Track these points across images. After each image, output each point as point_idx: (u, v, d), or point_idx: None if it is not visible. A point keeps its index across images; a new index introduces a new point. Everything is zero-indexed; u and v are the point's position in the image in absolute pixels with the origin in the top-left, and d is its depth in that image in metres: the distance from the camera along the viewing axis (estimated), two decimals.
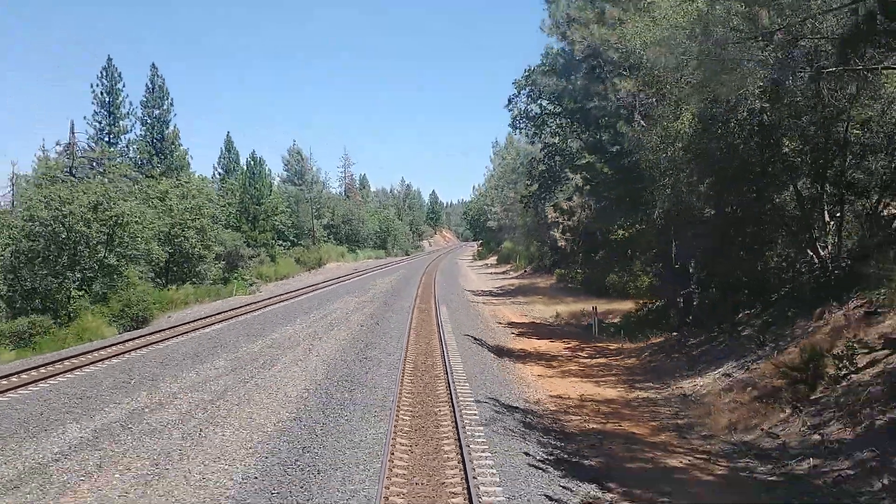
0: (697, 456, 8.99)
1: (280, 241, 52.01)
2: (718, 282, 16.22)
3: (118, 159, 35.62)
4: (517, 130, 31.69)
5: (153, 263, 31.52)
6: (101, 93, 47.60)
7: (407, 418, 10.19)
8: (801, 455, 8.48)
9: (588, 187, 22.75)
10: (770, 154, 13.20)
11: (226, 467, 8.48)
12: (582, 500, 7.14)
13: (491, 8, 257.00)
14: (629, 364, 15.56)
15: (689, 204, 15.12)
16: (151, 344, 18.85)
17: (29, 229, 27.04)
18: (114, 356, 16.99)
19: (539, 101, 26.78)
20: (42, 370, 15.09)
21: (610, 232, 25.58)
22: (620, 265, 28.18)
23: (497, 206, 60.96)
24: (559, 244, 32.45)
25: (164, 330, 22.14)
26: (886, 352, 9.84)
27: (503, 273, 52.62)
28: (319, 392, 12.32)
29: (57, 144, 36.62)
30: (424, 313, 24.05)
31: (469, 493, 6.80)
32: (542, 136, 30.66)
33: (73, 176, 32.33)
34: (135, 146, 48.57)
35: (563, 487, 7.46)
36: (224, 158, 52.01)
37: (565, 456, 8.76)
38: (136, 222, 28.77)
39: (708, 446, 9.37)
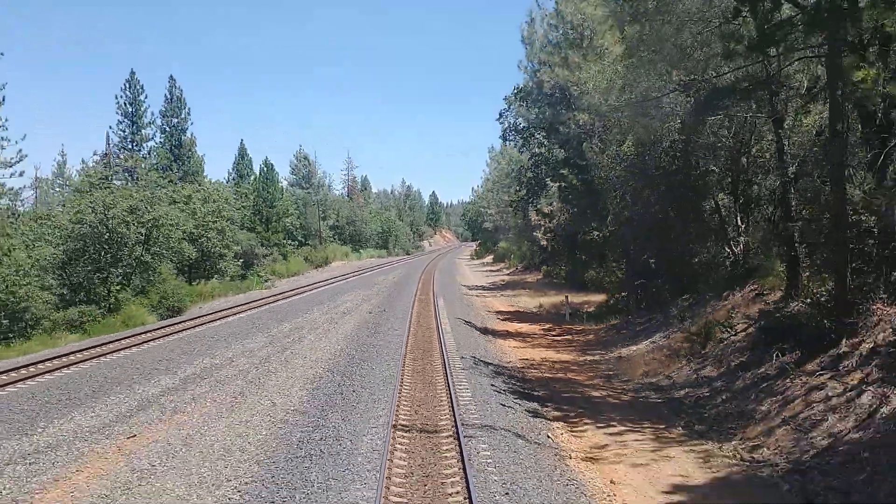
0: (613, 391, 12.84)
1: (290, 241, 55.89)
2: (661, 274, 20.04)
3: (147, 168, 39.32)
4: (507, 142, 35.51)
5: (183, 261, 35.31)
6: (125, 104, 51.40)
7: (410, 366, 14.03)
8: (682, 387, 12.33)
9: (562, 195, 26.60)
10: (692, 173, 17.04)
11: (284, 398, 12.27)
12: (525, 409, 10.97)
13: (491, 8, 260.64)
14: (587, 339, 19.41)
15: (635, 213, 18.97)
16: (196, 327, 22.73)
17: (78, 231, 30.80)
18: (171, 334, 20.88)
19: (526, 116, 30.65)
20: (122, 342, 18.99)
21: (586, 233, 29.41)
22: (597, 262, 31.95)
23: (492, 208, 64.82)
24: (542, 244, 36.34)
25: (202, 316, 26.03)
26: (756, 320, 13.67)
27: (497, 270, 56.60)
28: (343, 356, 16.11)
29: (94, 154, 40.38)
30: (424, 304, 27.84)
31: (451, 399, 10.62)
32: (530, 146, 34.49)
33: (109, 183, 36.07)
34: (155, 153, 52.41)
35: (515, 402, 11.31)
36: (238, 164, 55.91)
37: (521, 389, 12.60)
38: (170, 224, 32.60)
39: (623, 386, 13.22)
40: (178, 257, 34.38)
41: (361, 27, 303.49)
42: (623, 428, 10.20)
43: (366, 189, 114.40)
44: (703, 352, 13.69)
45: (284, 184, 69.87)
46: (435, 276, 43.95)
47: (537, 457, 8.42)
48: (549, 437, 9.55)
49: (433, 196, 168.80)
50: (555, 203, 30.72)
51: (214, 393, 12.89)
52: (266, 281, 43.93)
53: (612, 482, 7.87)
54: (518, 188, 37.60)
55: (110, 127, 56.78)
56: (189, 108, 54.31)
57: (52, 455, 9.33)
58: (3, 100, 33.98)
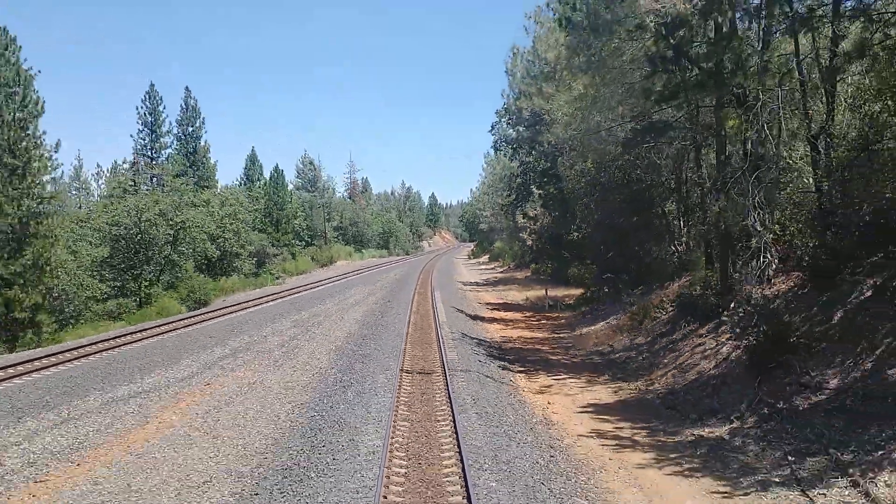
0: (567, 356, 16.70)
1: (297, 242, 59.75)
2: (622, 269, 23.89)
3: (172, 175, 43.14)
4: (498, 152, 39.35)
5: (205, 260, 39.16)
6: (145, 114, 55.25)
7: (411, 339, 17.87)
8: (618, 352, 16.18)
9: (543, 202, 30.46)
10: (641, 187, 20.91)
11: (315, 360, 16.07)
12: (497, 364, 14.82)
13: (492, 9, 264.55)
14: (559, 323, 23.25)
15: (599, 219, 22.83)
16: (229, 314, 26.58)
17: (114, 232, 34.64)
18: (209, 320, 24.72)
19: (512, 133, 34.51)
20: (171, 325, 22.84)
21: (567, 235, 33.26)
22: (578, 261, 35.80)
23: (487, 210, 68.64)
24: (528, 244, 40.21)
25: (230, 307, 29.85)
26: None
27: (491, 269, 60.49)
28: (356, 334, 19.93)
29: (123, 162, 44.37)
30: (423, 297, 31.64)
31: (442, 357, 14.46)
32: (518, 156, 38.35)
33: (137, 188, 39.95)
34: (172, 159, 56.23)
35: (490, 361, 15.17)
36: (249, 169, 59.80)
37: (496, 354, 16.46)
38: (196, 227, 36.46)
39: (576, 352, 17.08)
40: (201, 256, 38.23)
41: (363, 27, 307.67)
42: (566, 376, 14.06)
43: (366, 191, 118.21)
44: (639, 327, 17.55)
45: (290, 187, 73.86)
46: (433, 274, 47.74)
47: (499, 388, 12.27)
48: (511, 380, 13.40)
49: (432, 198, 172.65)
50: (538, 208, 34.56)
51: (260, 358, 16.71)
52: (277, 278, 47.80)
53: (549, 403, 11.71)
54: (508, 193, 41.46)
55: (131, 135, 60.64)
56: (203, 118, 58.26)
57: (156, 394, 13.14)
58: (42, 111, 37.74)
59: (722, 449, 8.79)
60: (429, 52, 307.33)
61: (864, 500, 6.56)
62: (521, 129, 28.93)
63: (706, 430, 9.60)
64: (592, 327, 20.33)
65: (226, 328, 22.20)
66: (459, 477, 7.40)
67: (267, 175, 59.05)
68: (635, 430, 10.04)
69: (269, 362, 16.17)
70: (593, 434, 9.83)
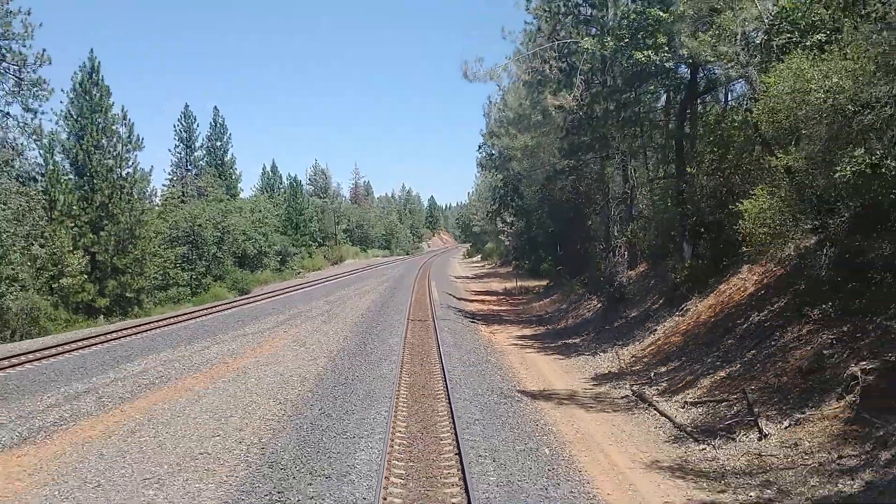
0: (516, 318, 25.20)
1: (311, 242, 68.25)
2: (566, 263, 32.37)
3: (216, 187, 51.60)
4: (483, 169, 47.80)
5: (241, 256, 47.57)
6: (181, 130, 63.67)
7: (412, 309, 26.33)
8: (548, 314, 24.67)
9: (515, 212, 38.94)
10: (578, 203, 29.38)
11: (347, 323, 24.47)
12: (468, 321, 23.29)
13: (490, 12, 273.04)
14: (520, 302, 31.71)
15: (554, 226, 31.28)
16: (272, 298, 35.03)
17: (173, 234, 42.99)
18: (260, 301, 33.16)
19: (491, 155, 42.91)
20: (235, 304, 31.28)
21: (536, 238, 41.73)
22: (545, 258, 44.29)
23: (479, 214, 77.01)
24: (507, 245, 48.57)
25: (270, 293, 38.27)
26: None
27: (481, 266, 69.05)
28: (373, 308, 28.30)
29: (170, 176, 53.00)
30: (421, 286, 40.03)
31: (433, 316, 22.92)
32: (500, 171, 46.75)
33: (185, 199, 48.35)
34: (203, 171, 64.65)
35: (464, 319, 23.66)
36: (270, 178, 68.39)
37: (469, 316, 24.94)
38: (237, 230, 44.89)
39: (523, 316, 25.56)
40: (240, 253, 46.67)
41: (362, 29, 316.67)
42: (509, 326, 22.55)
43: (368, 194, 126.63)
44: (566, 300, 26.04)
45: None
46: (431, 271, 56.19)
47: (465, 329, 20.77)
48: (474, 327, 21.89)
49: (431, 200, 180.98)
50: (513, 216, 42.85)
51: (312, 320, 25.11)
52: (298, 273, 56.27)
53: (493, 334, 20.16)
54: (493, 202, 49.91)
55: (169, 149, 69.13)
56: (230, 134, 66.69)
57: (251, 337, 21.52)
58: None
59: (571, 347, 17.28)
60: (428, 54, 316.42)
61: (614, 356, 15.02)
62: (494, 155, 37.27)
63: (569, 340, 18.10)
64: (540, 302, 28.84)
65: (279, 304, 30.69)
66: (436, 352, 15.85)
67: (278, 179, 67.61)
68: (534, 343, 18.52)
69: (319, 322, 24.60)
70: (511, 344, 18.31)
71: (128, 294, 30.76)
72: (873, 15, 7.58)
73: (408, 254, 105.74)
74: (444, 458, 8.40)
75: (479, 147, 46.37)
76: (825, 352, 9.37)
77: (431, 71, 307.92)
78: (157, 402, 12.34)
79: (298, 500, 7.30)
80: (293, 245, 59.68)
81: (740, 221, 10.17)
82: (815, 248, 11.07)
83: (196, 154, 64.15)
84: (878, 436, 7.44)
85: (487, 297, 35.10)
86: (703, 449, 8.75)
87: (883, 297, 9.33)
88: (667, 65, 14.29)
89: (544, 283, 41.26)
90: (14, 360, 16.43)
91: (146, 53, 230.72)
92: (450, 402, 10.82)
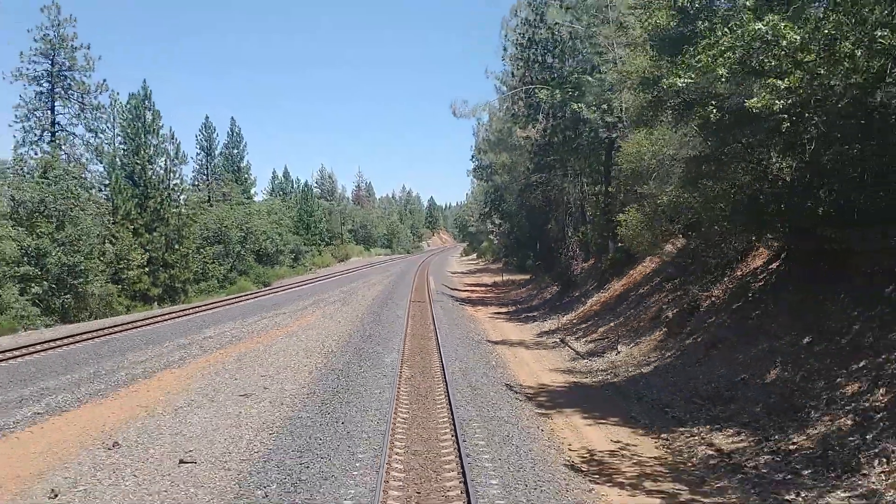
0: (497, 302, 31.33)
1: (320, 241, 74.37)
2: (541, 260, 38.44)
3: (239, 192, 57.68)
4: (473, 177, 53.96)
5: (261, 254, 53.63)
6: (202, 140, 69.73)
7: (413, 297, 32.43)
8: (522, 299, 30.82)
9: (502, 215, 45.12)
10: (547, 209, 35.49)
11: (359, 308, 30.55)
12: (459, 304, 29.39)
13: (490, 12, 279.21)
14: (503, 291, 37.82)
15: (530, 228, 37.38)
16: (294, 289, 41.13)
17: (203, 234, 49.00)
18: (287, 290, 39.26)
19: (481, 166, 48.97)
20: (263, 293, 37.38)
21: (522, 238, 47.76)
22: (528, 256, 50.39)
23: (475, 215, 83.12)
24: (496, 243, 54.66)
25: (290, 285, 44.37)
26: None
27: (475, 262, 75.21)
28: (380, 297, 34.36)
29: (196, 179, 59.13)
30: (421, 279, 46.10)
31: (429, 300, 29.01)
32: (487, 181, 52.82)
33: (211, 203, 54.40)
34: (222, 177, 70.72)
35: (455, 302, 29.78)
36: (282, 183, 74.52)
37: (459, 301, 31.05)
38: (259, 230, 50.97)
39: (503, 301, 31.69)
40: (261, 251, 52.76)
41: (363, 34, 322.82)
42: (491, 307, 28.64)
43: (370, 195, 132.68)
44: (538, 288, 32.14)
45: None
46: (430, 267, 62.27)
47: (454, 308, 26.87)
48: (462, 308, 27.99)
49: (431, 201, 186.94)
50: (500, 218, 48.91)
51: (329, 306, 31.16)
52: (310, 269, 62.37)
53: (476, 312, 26.26)
54: (485, 205, 56.03)
55: (191, 158, 75.34)
56: (246, 143, 72.78)
57: (289, 315, 27.58)
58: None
59: (530, 318, 23.38)
60: (429, 55, 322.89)
61: (556, 320, 21.10)
62: (482, 166, 43.41)
63: (530, 314, 24.22)
64: (518, 291, 34.98)
65: (302, 293, 36.80)
66: (431, 320, 21.93)
67: (289, 184, 73.84)
68: (504, 316, 24.63)
69: (339, 304, 30.69)
70: (487, 317, 24.40)
71: (175, 285, 36.87)
72: (670, 113, 13.51)
73: (408, 252, 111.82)
74: (434, 368, 14.45)
75: (472, 158, 52.45)
76: (663, 307, 15.52)
77: (432, 71, 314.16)
78: (242, 349, 18.41)
79: (353, 383, 13.34)
80: (305, 244, 65.77)
81: (619, 228, 16.30)
82: (682, 246, 17.19)
83: (215, 161, 70.51)
84: (667, 346, 13.59)
85: (477, 288, 41.23)
86: (585, 362, 14.88)
87: (698, 274, 15.47)
88: (591, 116, 20.27)
89: (527, 276, 47.36)
90: (128, 326, 22.60)
91: (153, 57, 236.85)
92: (438, 344, 16.88)
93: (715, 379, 11.03)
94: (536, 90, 25.13)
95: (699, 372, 11.65)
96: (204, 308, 30.45)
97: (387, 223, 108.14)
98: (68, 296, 28.78)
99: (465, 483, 7.21)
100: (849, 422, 8.14)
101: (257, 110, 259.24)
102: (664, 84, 10.53)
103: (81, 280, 29.08)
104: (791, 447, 8.22)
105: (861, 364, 8.95)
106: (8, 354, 17.31)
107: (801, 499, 7.15)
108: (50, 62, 37.73)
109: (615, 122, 16.20)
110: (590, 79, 20.41)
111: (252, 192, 71.63)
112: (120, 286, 33.33)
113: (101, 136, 38.98)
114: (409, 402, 11.23)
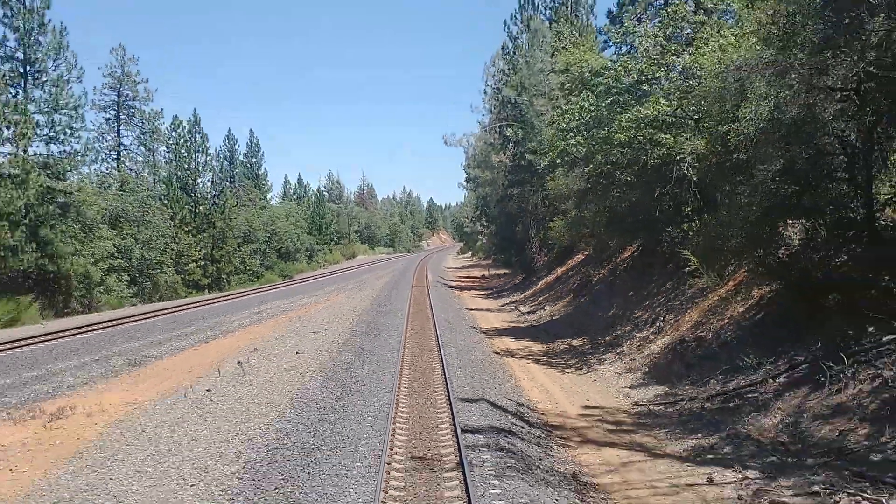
0: (480, 289, 39.85)
1: (330, 241, 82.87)
2: (517, 257, 46.92)
3: (264, 197, 66.16)
4: (466, 189, 62.44)
5: (281, 252, 62.08)
6: (225, 149, 78.31)
7: (414, 285, 40.92)
8: (499, 286, 39.34)
9: (488, 219, 53.72)
10: (520, 216, 44.01)
11: (372, 291, 39.00)
12: (449, 289, 37.88)
13: (490, 12, 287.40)
14: (487, 282, 46.31)
15: (511, 231, 45.98)
16: (315, 280, 49.62)
17: (237, 234, 57.43)
18: (309, 280, 47.73)
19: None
20: (288, 284, 45.91)
21: (505, 239, 56.17)
22: (512, 252, 58.81)
23: (469, 217, 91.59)
24: (484, 242, 63.15)
25: (310, 277, 52.84)
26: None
27: (470, 260, 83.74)
28: (387, 286, 42.76)
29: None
30: (421, 274, 54.49)
31: (427, 287, 37.49)
32: (475, 190, 61.25)
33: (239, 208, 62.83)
34: (243, 185, 79.16)
35: (446, 288, 38.30)
36: (296, 189, 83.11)
37: (450, 287, 39.56)
38: (283, 231, 59.44)
39: (485, 287, 40.20)
40: (282, 249, 61.21)
41: (361, 38, 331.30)
42: (474, 291, 37.13)
43: (372, 197, 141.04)
44: (513, 277, 40.63)
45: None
46: (429, 264, 70.77)
47: (447, 293, 35.38)
48: (452, 292, 36.46)
49: (431, 202, 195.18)
50: (487, 222, 57.28)
51: (347, 291, 39.60)
52: (322, 266, 70.85)
53: (461, 295, 34.74)
54: (476, 208, 64.45)
55: (213, 165, 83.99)
56: (263, 152, 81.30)
57: (319, 296, 36.02)
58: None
59: (500, 296, 31.86)
60: (427, 57, 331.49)
61: (516, 296, 29.56)
62: (471, 178, 51.98)
63: (500, 294, 32.70)
64: (498, 280, 43.50)
65: (322, 283, 45.28)
66: (427, 298, 30.38)
67: (303, 189, 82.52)
68: (482, 296, 33.08)
69: (355, 290, 39.14)
70: (469, 297, 32.85)
71: (221, 276, 45.32)
72: (567, 164, 21.82)
73: (409, 251, 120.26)
74: (428, 320, 22.80)
75: (464, 170, 60.98)
76: (574, 282, 24.03)
77: (432, 72, 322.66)
78: (297, 314, 26.80)
79: (376, 328, 21.70)
80: (317, 243, 74.27)
81: (548, 231, 24.74)
82: (601, 244, 25.68)
83: (237, 171, 79.02)
84: (577, 303, 22.12)
85: (466, 279, 49.74)
86: (524, 318, 23.37)
87: (596, 262, 23.96)
88: (532, 158, 28.60)
89: (508, 270, 55.62)
90: (204, 303, 31.09)
91: (158, 61, 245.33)
92: (432, 310, 25.24)
93: (586, 319, 19.54)
94: (506, 127, 33.62)
95: (580, 316, 20.16)
96: (250, 293, 38.92)
97: (389, 224, 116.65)
98: (147, 283, 37.24)
99: (440, 352, 15.65)
100: (628, 327, 16.64)
101: (259, 113, 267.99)
102: (558, 148, 19.00)
103: (157, 271, 37.55)
104: (601, 342, 16.73)
105: (646, 304, 17.44)
106: (144, 316, 25.84)
107: (594, 359, 15.63)
108: (117, 94, 46.21)
109: (546, 162, 24.48)
110: (535, 126, 28.88)
111: (269, 196, 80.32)
112: (181, 276, 41.76)
113: (157, 154, 47.54)
114: (413, 333, 19.65)
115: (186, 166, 45.29)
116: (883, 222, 12.05)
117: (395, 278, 47.84)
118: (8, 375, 15.19)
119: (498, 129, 34.88)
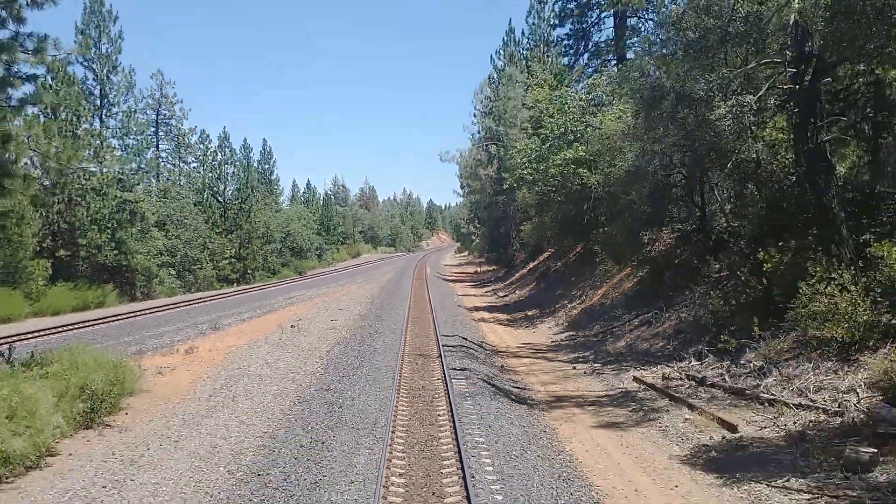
0: (472, 282, 46.82)
1: (337, 241, 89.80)
2: (503, 254, 53.90)
3: (281, 201, 73.11)
4: (461, 195, 69.37)
5: (294, 250, 69.00)
6: (242, 158, 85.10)
7: (414, 278, 47.87)
8: (487, 279, 46.32)
9: (479, 221, 60.55)
10: (502, 221, 51.01)
11: (379, 282, 45.92)
12: (444, 282, 44.82)
13: (489, 13, 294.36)
14: (478, 276, 53.28)
15: (493, 233, 52.97)
16: (329, 274, 56.56)
17: (254, 235, 64.29)
18: (320, 277, 54.67)
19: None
20: (303, 278, 52.86)
21: (493, 239, 63.13)
22: (501, 250, 65.79)
23: (465, 219, 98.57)
24: (478, 242, 70.19)
25: (322, 272, 59.73)
26: None
27: (466, 258, 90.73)
28: (393, 279, 49.70)
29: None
30: (420, 269, 61.39)
31: (425, 279, 44.42)
32: (468, 197, 68.18)
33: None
34: (259, 188, 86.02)
35: (442, 281, 45.27)
36: (307, 192, 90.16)
37: (446, 280, 46.52)
38: (297, 233, 66.35)
39: (475, 280, 47.16)
40: (295, 248, 68.12)
41: (364, 42, 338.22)
42: (465, 283, 44.08)
43: (373, 198, 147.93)
44: (498, 272, 47.59)
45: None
46: (427, 262, 77.74)
47: (442, 284, 42.34)
48: (447, 284, 43.41)
49: (430, 203, 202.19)
50: (480, 224, 64.18)
51: (357, 283, 46.49)
52: (330, 263, 77.76)
53: (454, 286, 41.69)
54: (470, 212, 71.40)
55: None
56: (276, 159, 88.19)
57: (337, 286, 42.93)
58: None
59: (485, 286, 38.78)
60: (429, 57, 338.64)
61: (496, 285, 36.52)
62: (464, 186, 58.99)
63: (486, 284, 39.61)
64: (486, 275, 50.46)
65: (335, 277, 52.23)
66: (426, 288, 37.32)
67: (312, 193, 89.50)
68: (471, 287, 40.00)
69: (364, 283, 46.04)
70: (461, 287, 39.77)
71: (247, 272, 52.23)
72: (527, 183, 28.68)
73: (409, 251, 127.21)
74: (426, 304, 29.70)
75: (458, 178, 67.96)
76: (539, 273, 31.03)
77: (432, 72, 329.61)
78: (322, 300, 33.68)
79: (387, 307, 28.60)
80: (326, 243, 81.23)
81: (520, 233, 31.69)
82: (558, 244, 32.64)
83: (252, 176, 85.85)
84: (539, 287, 29.11)
85: (461, 274, 56.71)
86: (499, 300, 30.35)
87: (556, 257, 30.96)
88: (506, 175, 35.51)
89: (496, 267, 62.71)
90: (239, 293, 38.04)
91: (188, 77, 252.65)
92: (429, 296, 32.12)
93: (541, 297, 26.49)
94: (490, 145, 40.55)
95: (538, 296, 27.10)
96: (274, 285, 45.83)
97: (390, 225, 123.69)
98: (190, 276, 44.17)
99: (433, 315, 22.56)
100: (566, 301, 23.56)
101: (263, 117, 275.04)
102: (517, 174, 25.91)
103: (198, 266, 44.49)
104: (546, 311, 23.68)
105: (580, 285, 24.37)
106: (197, 301, 32.76)
107: (539, 321, 22.56)
108: (156, 113, 53.13)
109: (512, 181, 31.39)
110: (508, 150, 35.77)
111: (280, 200, 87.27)
112: (215, 272, 48.68)
113: (190, 165, 54.48)
114: (414, 310, 26.53)
115: (217, 176, 52.21)
116: (712, 225, 19.01)
117: (398, 274, 54.74)
118: (134, 334, 22.12)
119: (484, 147, 41.81)
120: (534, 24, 37.47)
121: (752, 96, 12.97)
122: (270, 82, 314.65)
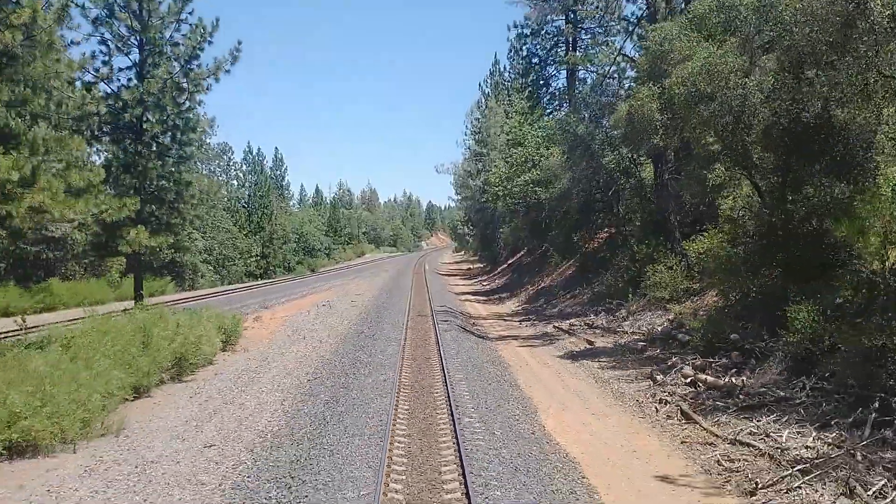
0: (463, 275, 54.55)
1: (343, 241, 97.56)
2: (491, 252, 61.65)
3: (295, 205, 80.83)
4: (456, 199, 77.06)
5: (308, 249, 76.75)
6: (253, 163, 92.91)
7: (415, 272, 55.60)
8: (478, 273, 54.08)
9: (473, 224, 68.34)
10: (490, 223, 58.79)
11: (383, 278, 53.59)
12: (438, 276, 52.55)
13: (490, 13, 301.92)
14: (471, 272, 61.01)
15: (485, 233, 60.79)
16: (339, 271, 64.33)
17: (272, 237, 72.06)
18: (331, 273, 62.41)
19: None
20: (317, 273, 60.64)
21: (484, 239, 70.88)
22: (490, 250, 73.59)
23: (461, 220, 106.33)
24: (472, 242, 77.91)
25: (332, 269, 67.44)
26: None
27: (462, 257, 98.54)
28: (395, 274, 57.34)
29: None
30: (420, 267, 69.06)
31: (424, 273, 52.13)
32: (462, 203, 75.94)
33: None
34: (270, 193, 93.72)
35: (438, 275, 53.03)
36: (315, 197, 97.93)
37: (441, 275, 54.25)
38: (310, 234, 74.08)
39: (467, 275, 54.91)
40: (307, 247, 75.87)
41: (360, 49, 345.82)
42: (458, 277, 51.81)
43: (374, 200, 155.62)
44: (487, 268, 55.36)
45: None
46: (426, 260, 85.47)
47: (440, 278, 50.10)
48: (443, 278, 51.15)
49: (430, 204, 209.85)
50: (472, 226, 71.82)
51: (364, 278, 54.13)
52: (338, 262, 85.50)
53: (449, 279, 49.42)
54: (464, 214, 79.10)
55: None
56: (287, 167, 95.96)
57: (349, 279, 50.61)
58: None
59: (473, 279, 46.52)
60: (429, 60, 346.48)
61: (482, 277, 44.25)
62: (459, 193, 66.72)
63: (474, 278, 47.33)
64: (477, 271, 58.20)
65: (345, 273, 59.96)
66: (425, 281, 45.08)
67: (320, 196, 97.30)
68: (463, 280, 47.70)
69: (371, 277, 53.74)
70: (454, 280, 47.47)
71: (269, 268, 59.98)
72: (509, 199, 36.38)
73: (410, 251, 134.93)
74: (424, 293, 37.39)
75: (452, 186, 75.71)
76: (515, 266, 38.83)
77: (433, 72, 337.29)
78: (336, 290, 41.34)
79: (393, 295, 36.27)
80: (333, 243, 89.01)
81: (501, 234, 39.42)
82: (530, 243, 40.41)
83: (265, 183, 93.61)
84: (512, 277, 36.91)
85: (455, 270, 64.48)
86: (483, 287, 38.11)
87: (533, 257, 38.75)
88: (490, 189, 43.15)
89: (486, 264, 70.53)
90: (269, 285, 45.88)
91: None
92: (427, 287, 39.78)
93: (512, 284, 34.25)
94: (478, 160, 48.24)
95: (510, 284, 34.86)
96: (294, 280, 53.54)
97: (392, 226, 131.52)
98: (224, 271, 51.92)
99: (429, 297, 30.28)
100: (528, 286, 31.29)
101: (268, 119, 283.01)
102: (493, 191, 33.63)
103: (231, 263, 52.25)
104: (513, 293, 31.43)
105: (540, 274, 32.11)
106: (235, 290, 40.51)
107: (507, 300, 30.28)
108: None
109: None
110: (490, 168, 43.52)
111: (291, 204, 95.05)
112: (244, 268, 56.47)
113: (216, 174, 62.22)
114: (415, 295, 34.19)
115: (242, 183, 59.99)
116: (625, 228, 26.79)
117: (400, 270, 62.41)
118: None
119: (474, 160, 49.48)
120: (514, 60, 45.11)
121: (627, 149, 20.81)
122: (273, 87, 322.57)
